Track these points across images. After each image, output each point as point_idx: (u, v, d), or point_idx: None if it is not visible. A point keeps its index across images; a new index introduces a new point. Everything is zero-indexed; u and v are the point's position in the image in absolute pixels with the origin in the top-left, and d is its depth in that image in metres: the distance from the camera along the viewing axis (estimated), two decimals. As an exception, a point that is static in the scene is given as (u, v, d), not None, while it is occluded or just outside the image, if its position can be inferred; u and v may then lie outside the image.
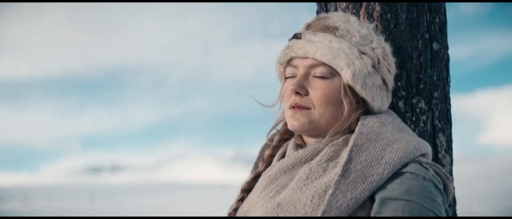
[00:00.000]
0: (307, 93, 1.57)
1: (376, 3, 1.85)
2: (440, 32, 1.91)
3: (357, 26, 1.63)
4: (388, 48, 1.67)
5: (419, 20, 1.87)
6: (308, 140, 1.64)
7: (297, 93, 1.57)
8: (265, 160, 1.72)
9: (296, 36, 1.64)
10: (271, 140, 1.77)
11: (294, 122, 1.58)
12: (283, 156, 1.69)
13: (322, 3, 1.93)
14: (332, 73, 1.56)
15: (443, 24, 1.94)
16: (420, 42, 1.86)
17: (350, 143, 1.49)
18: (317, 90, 1.56)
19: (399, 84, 1.83)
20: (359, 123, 1.56)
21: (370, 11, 1.85)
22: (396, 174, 1.41)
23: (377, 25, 1.84)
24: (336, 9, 1.90)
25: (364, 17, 1.86)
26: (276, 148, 1.73)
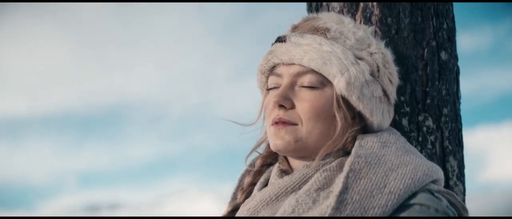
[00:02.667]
0: (292, 106, 1.33)
1: (375, 6, 1.60)
2: (448, 40, 1.66)
3: (352, 28, 1.39)
4: (389, 54, 1.43)
5: (425, 26, 1.62)
6: (295, 163, 1.38)
7: (280, 106, 1.33)
8: (245, 190, 1.46)
9: (280, 39, 1.40)
10: (252, 165, 1.50)
11: (277, 140, 1.32)
12: (266, 184, 1.43)
13: (313, 4, 1.68)
14: (323, 82, 1.32)
15: (452, 31, 1.69)
16: (426, 50, 1.61)
17: (346, 168, 1.24)
18: (305, 102, 1.31)
19: (402, 98, 1.58)
20: (356, 143, 1.30)
21: (368, 14, 1.61)
22: (403, 206, 1.20)
23: (376, 31, 1.58)
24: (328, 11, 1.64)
25: (361, 22, 1.62)
26: (257, 174, 1.47)
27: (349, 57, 1.33)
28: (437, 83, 1.62)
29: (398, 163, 1.26)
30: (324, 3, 1.68)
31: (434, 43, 1.63)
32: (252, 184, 1.46)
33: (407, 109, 1.59)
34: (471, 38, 33.57)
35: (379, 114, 1.37)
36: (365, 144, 1.31)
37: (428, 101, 1.61)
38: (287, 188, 1.32)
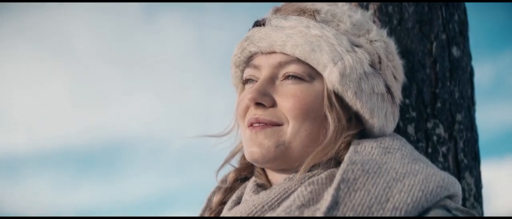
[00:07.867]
0: (273, 104, 1.09)
1: (373, -7, 1.35)
2: (460, 34, 1.43)
3: (347, 10, 1.16)
4: (392, 45, 1.19)
5: (432, 16, 1.38)
6: (274, 177, 1.13)
7: (258, 104, 1.07)
8: (213, 210, 1.21)
9: (258, 23, 1.15)
10: (224, 181, 1.23)
11: (253, 147, 1.07)
12: (238, 202, 1.17)
13: None
14: (311, 74, 1.08)
15: (464, 24, 1.45)
16: (434, 44, 1.37)
17: (337, 178, 0.99)
18: (289, 98, 1.07)
19: (407, 101, 1.33)
20: (351, 148, 1.07)
21: (365, 3, 1.35)
22: None
23: (374, 21, 1.33)
24: None
25: (356, 11, 1.35)
26: (229, 191, 1.20)
27: (344, 43, 1.08)
28: (448, 83, 1.38)
29: (404, 172, 1.01)
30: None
31: (444, 37, 1.39)
32: (223, 203, 1.20)
33: (413, 114, 1.34)
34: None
35: (381, 116, 1.11)
36: (362, 150, 1.06)
37: (439, 105, 1.36)
38: (263, 206, 1.05)
